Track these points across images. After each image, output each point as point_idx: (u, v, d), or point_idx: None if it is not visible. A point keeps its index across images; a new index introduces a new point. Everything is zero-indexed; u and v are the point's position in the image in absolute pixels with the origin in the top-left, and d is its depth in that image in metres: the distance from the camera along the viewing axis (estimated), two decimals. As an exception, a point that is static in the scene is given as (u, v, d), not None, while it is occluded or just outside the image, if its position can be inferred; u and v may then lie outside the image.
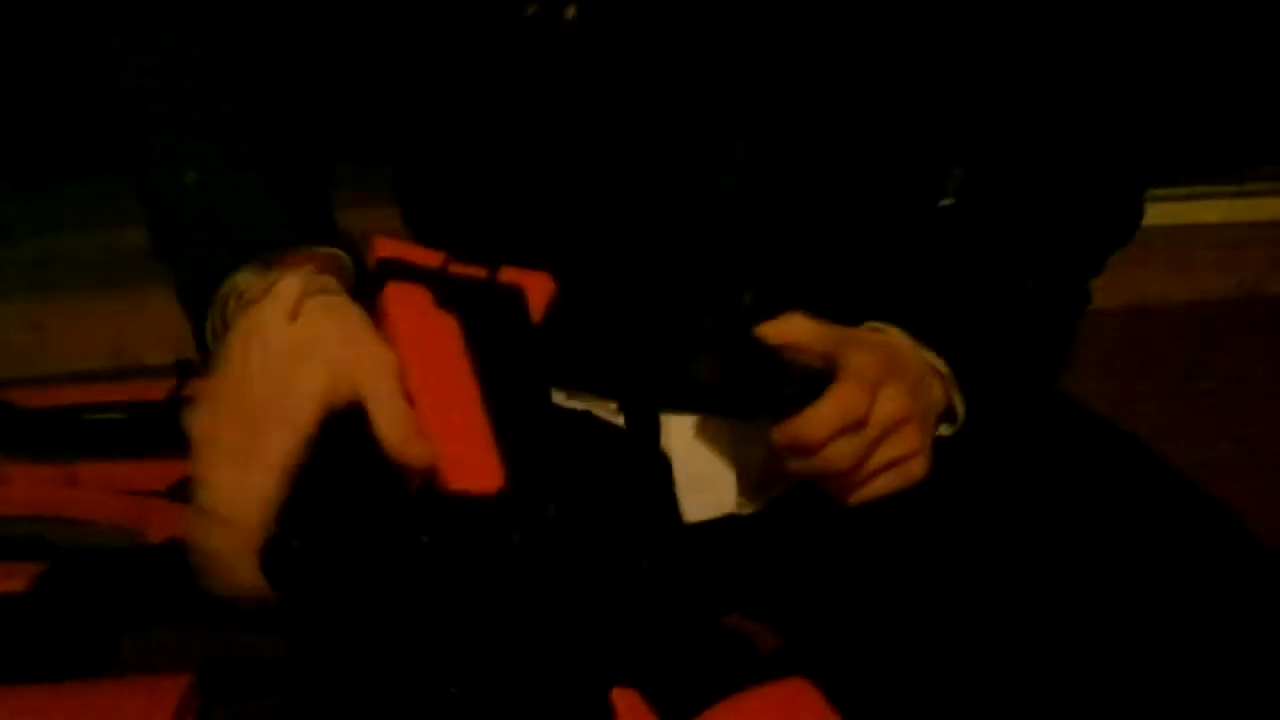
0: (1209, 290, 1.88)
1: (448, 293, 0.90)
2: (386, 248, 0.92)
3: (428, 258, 0.92)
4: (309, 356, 0.83)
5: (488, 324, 0.90)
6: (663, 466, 0.98)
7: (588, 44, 0.94)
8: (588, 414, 1.01)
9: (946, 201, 1.05)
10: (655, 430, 0.99)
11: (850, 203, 0.99)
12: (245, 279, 0.86)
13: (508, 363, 0.90)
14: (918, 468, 0.92)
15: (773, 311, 0.97)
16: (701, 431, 0.99)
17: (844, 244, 0.99)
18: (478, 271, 0.92)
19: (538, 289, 0.94)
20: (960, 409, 0.96)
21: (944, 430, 0.97)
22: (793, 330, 0.92)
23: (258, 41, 0.98)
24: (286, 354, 0.83)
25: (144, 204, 0.97)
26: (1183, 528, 0.94)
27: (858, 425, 0.89)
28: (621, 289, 0.98)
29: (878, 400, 0.89)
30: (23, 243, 2.54)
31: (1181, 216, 1.92)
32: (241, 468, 0.81)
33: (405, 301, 0.88)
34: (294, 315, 0.84)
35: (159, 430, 1.61)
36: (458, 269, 0.92)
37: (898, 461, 0.91)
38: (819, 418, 0.88)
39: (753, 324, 0.97)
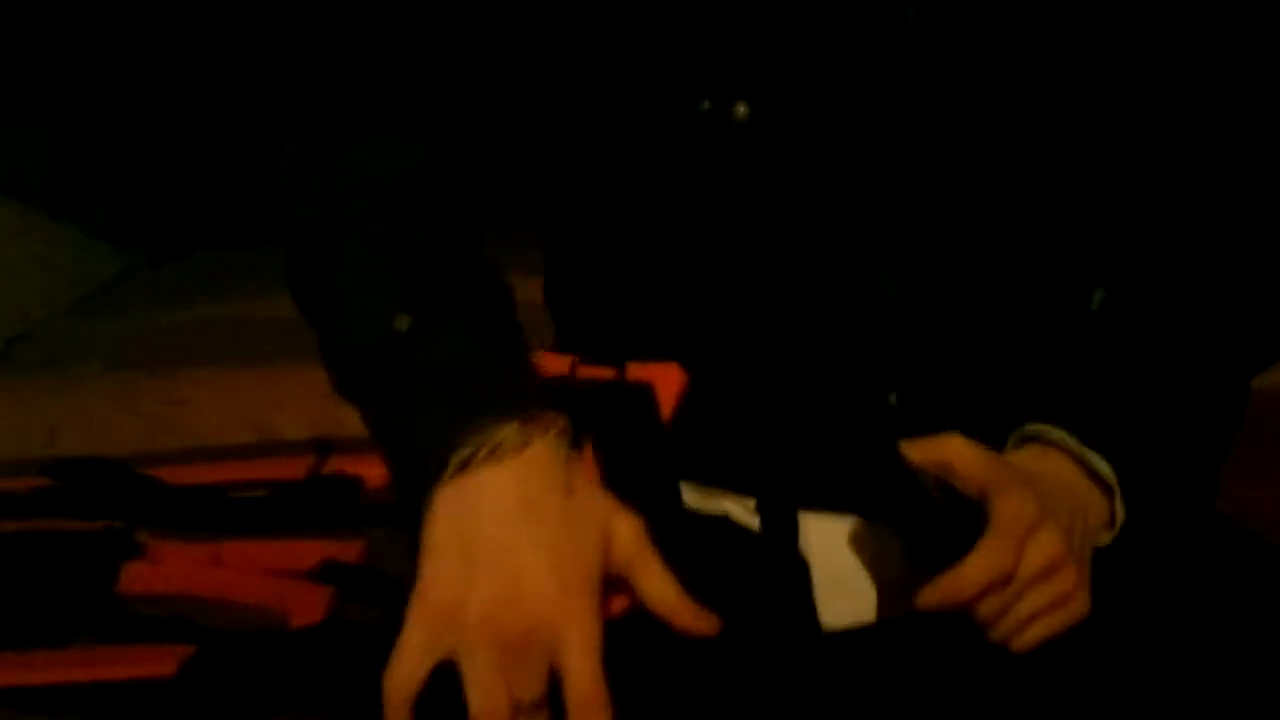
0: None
1: (572, 402, 0.90)
2: None
3: (556, 364, 0.93)
4: (592, 524, 0.82)
5: (616, 430, 0.91)
6: (801, 570, 0.98)
7: (757, 141, 0.95)
8: (725, 519, 1.01)
9: (1095, 303, 1.04)
10: (794, 532, 0.99)
11: (998, 305, 0.98)
12: (501, 430, 0.83)
13: (637, 471, 0.90)
14: (1078, 606, 0.91)
15: (917, 413, 0.97)
16: (842, 534, 0.99)
17: (990, 347, 0.99)
18: (605, 372, 0.93)
19: (667, 381, 0.94)
20: (1121, 516, 0.95)
21: (1102, 539, 0.96)
22: (949, 452, 0.92)
23: (457, 151, 0.98)
24: (567, 523, 0.82)
25: (333, 344, 0.93)
26: None
27: (1005, 581, 0.88)
28: (767, 385, 0.99)
29: (1028, 550, 0.88)
30: (165, 314, 2.59)
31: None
32: (540, 651, 0.80)
33: None
34: (569, 486, 0.83)
35: (302, 509, 1.64)
36: (586, 371, 0.93)
37: (1055, 604, 0.91)
38: (966, 578, 0.87)
39: (896, 425, 0.97)
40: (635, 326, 1.00)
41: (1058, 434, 0.94)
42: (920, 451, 0.92)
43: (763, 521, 1.00)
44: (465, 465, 0.82)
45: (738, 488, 1.00)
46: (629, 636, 0.85)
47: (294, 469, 1.70)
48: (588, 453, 0.89)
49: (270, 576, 1.47)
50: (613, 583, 0.84)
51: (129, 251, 3.08)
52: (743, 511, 1.01)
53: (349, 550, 1.51)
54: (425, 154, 0.96)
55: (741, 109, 0.94)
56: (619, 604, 0.85)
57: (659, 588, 0.84)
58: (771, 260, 0.97)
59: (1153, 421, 0.97)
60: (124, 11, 3.07)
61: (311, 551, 1.50)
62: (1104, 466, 0.94)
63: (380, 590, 1.42)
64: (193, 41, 3.07)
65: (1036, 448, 0.95)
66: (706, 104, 0.94)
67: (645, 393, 0.93)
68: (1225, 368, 1.02)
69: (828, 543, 0.99)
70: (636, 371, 0.94)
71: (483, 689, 0.79)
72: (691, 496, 1.02)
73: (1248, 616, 0.95)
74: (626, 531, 0.84)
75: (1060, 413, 0.95)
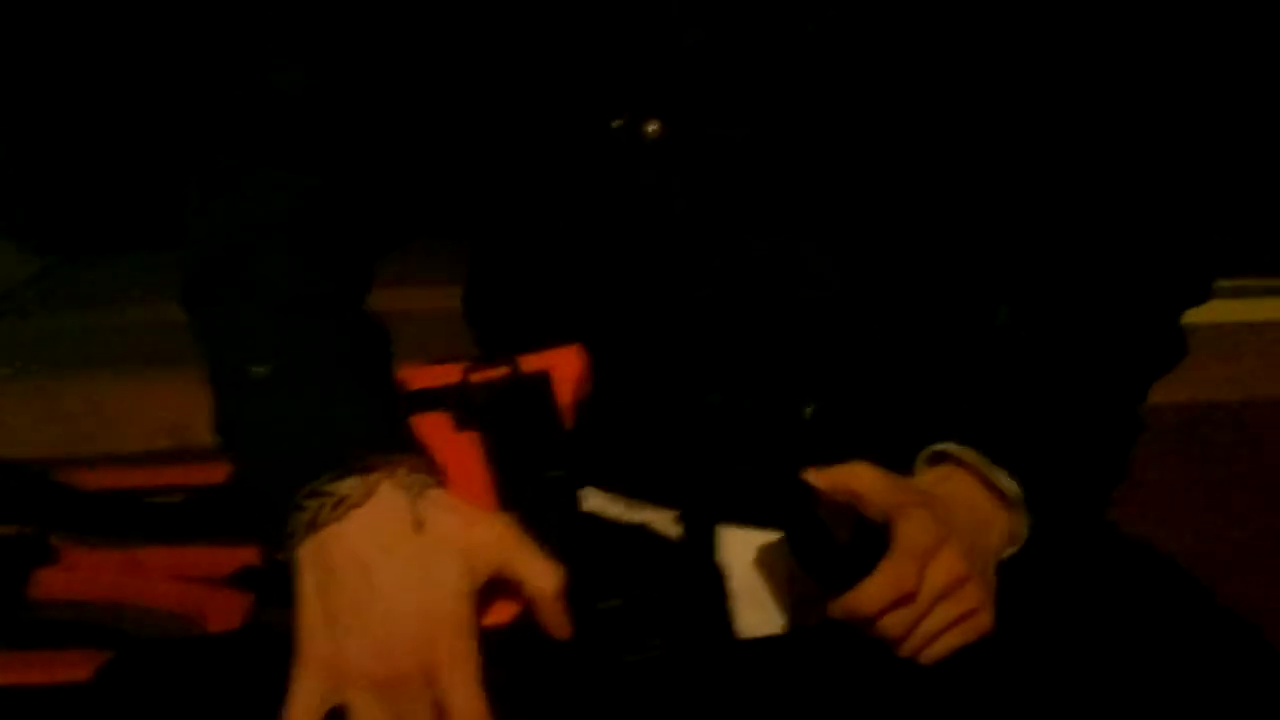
0: (1257, 391, 1.89)
1: (468, 409, 0.92)
2: (409, 380, 0.94)
3: (448, 374, 0.94)
4: (447, 555, 0.84)
5: (510, 430, 0.92)
6: (716, 580, 0.99)
7: (668, 159, 0.96)
8: (643, 528, 1.02)
9: (1001, 318, 1.06)
10: (711, 543, 1.00)
11: (911, 319, 1.00)
12: (343, 484, 0.84)
13: (531, 469, 0.91)
14: (982, 621, 0.94)
15: (831, 426, 0.99)
16: (759, 546, 1.00)
17: (904, 361, 1.01)
18: (500, 371, 0.94)
19: (566, 365, 0.95)
20: (1024, 531, 0.97)
21: (1006, 553, 0.98)
22: (854, 481, 0.94)
23: (360, 175, 0.99)
24: (420, 561, 0.83)
25: (210, 376, 0.94)
26: (1223, 667, 0.96)
27: (908, 598, 0.90)
28: (686, 398, 1.00)
29: (930, 569, 0.91)
30: (81, 316, 2.57)
31: (1232, 314, 1.92)
32: (422, 690, 0.82)
33: (426, 433, 0.90)
34: (418, 525, 0.84)
35: (219, 515, 1.63)
36: (479, 375, 0.94)
37: (959, 620, 0.93)
38: (867, 597, 0.90)
39: (811, 438, 0.98)
40: (553, 337, 1.00)
41: (964, 452, 0.96)
42: (827, 479, 0.93)
43: (684, 532, 1.01)
44: (313, 526, 0.84)
45: (663, 502, 1.02)
46: (536, 642, 0.86)
47: (211, 474, 1.68)
48: (469, 465, 0.90)
49: (187, 583, 1.46)
50: (501, 588, 0.86)
51: (45, 253, 3.05)
52: (663, 521, 1.02)
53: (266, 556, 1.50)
54: (316, 189, 0.97)
55: (652, 127, 0.95)
56: (509, 611, 0.87)
57: (537, 576, 0.86)
58: (688, 275, 0.98)
59: (1055, 437, 1.00)
60: (38, 17, 3.04)
61: (229, 558, 1.49)
62: (1008, 483, 0.96)
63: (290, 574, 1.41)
64: (105, 56, 3.04)
65: (943, 468, 0.97)
66: (618, 122, 0.95)
67: (541, 384, 0.94)
68: (1123, 382, 1.05)
69: (745, 555, 1.00)
70: (532, 362, 0.95)
71: None
72: (613, 506, 1.03)
73: (1139, 624, 0.98)
74: (490, 537, 0.85)
75: (967, 431, 0.98)
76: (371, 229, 1.00)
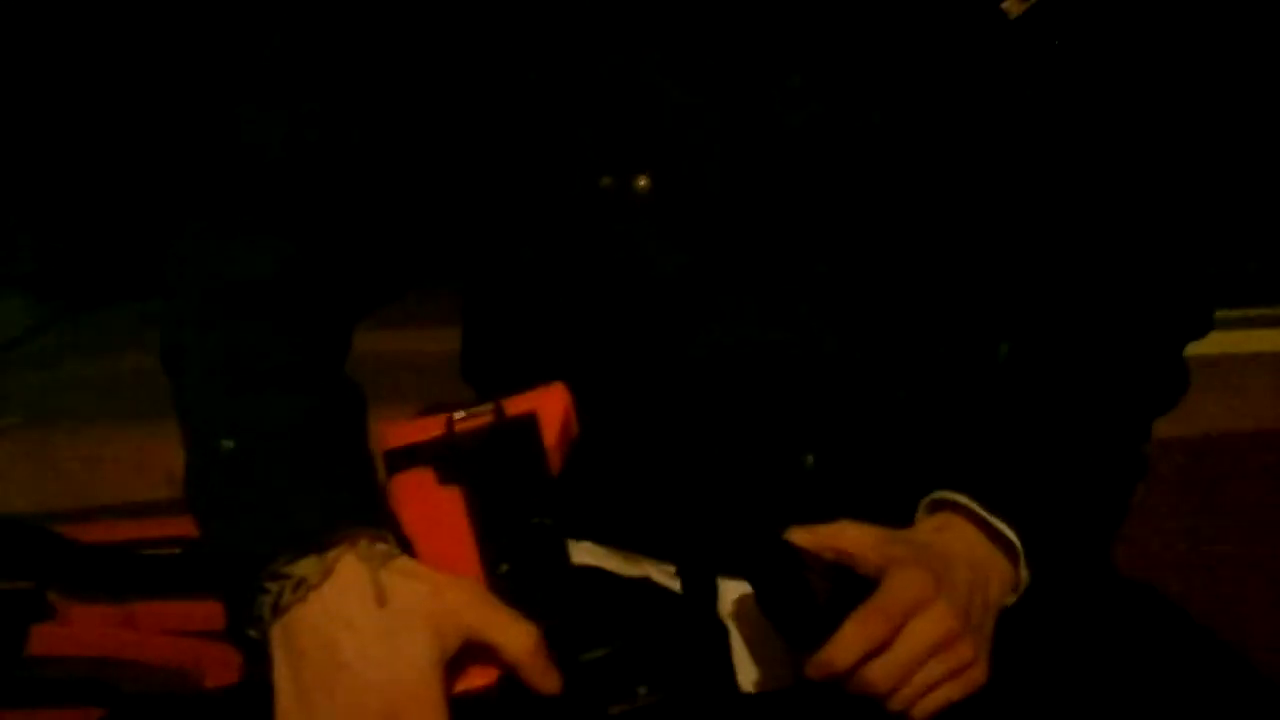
0: (1263, 422, 1.88)
1: (452, 461, 0.90)
2: (391, 435, 0.92)
3: (433, 427, 0.93)
4: (413, 625, 0.83)
5: (495, 479, 0.90)
6: (719, 634, 0.98)
7: (658, 214, 0.95)
8: (646, 580, 1.01)
9: (1001, 356, 1.06)
10: (712, 597, 0.99)
11: (909, 365, 0.99)
12: (301, 565, 0.83)
13: (516, 519, 0.90)
14: (975, 675, 0.92)
15: (833, 475, 0.98)
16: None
17: (905, 407, 1.00)
18: (484, 418, 0.92)
19: (551, 404, 0.94)
20: (1025, 578, 0.96)
21: (1007, 601, 0.97)
22: (844, 540, 0.93)
23: (340, 240, 0.97)
24: (386, 634, 0.82)
25: (184, 446, 0.92)
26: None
27: (881, 650, 0.89)
28: (685, 450, 0.99)
29: (918, 624, 0.90)
30: (79, 366, 2.56)
31: (1239, 346, 1.91)
32: None
33: (409, 490, 0.89)
34: (380, 598, 0.83)
35: (213, 568, 1.62)
36: (464, 424, 0.92)
37: (952, 675, 0.92)
38: (838, 649, 0.89)
39: (813, 487, 0.97)
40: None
41: (963, 500, 0.95)
42: (812, 539, 0.92)
43: (683, 586, 1.00)
44: (277, 609, 0.84)
45: (662, 556, 1.01)
46: (519, 701, 0.85)
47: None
48: (451, 521, 0.89)
49: (183, 637, 1.46)
50: (481, 651, 0.85)
51: (44, 302, 3.05)
52: (663, 575, 1.01)
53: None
54: (295, 254, 0.95)
55: (642, 182, 0.94)
56: (491, 674, 0.85)
57: (511, 637, 0.84)
58: (682, 328, 0.97)
59: (1055, 483, 0.98)
60: (38, 64, 3.04)
61: (225, 610, 1.48)
62: (1008, 531, 0.95)
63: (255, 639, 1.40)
64: (106, 102, 3.05)
65: (940, 517, 0.96)
66: (607, 180, 0.95)
67: (527, 427, 0.92)
68: (1126, 418, 1.04)
69: (747, 608, 0.99)
70: (517, 404, 0.93)
71: None
72: (611, 560, 1.02)
73: (1140, 669, 0.96)
74: (458, 604, 0.84)
75: (966, 479, 0.97)
76: (352, 293, 0.99)
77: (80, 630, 1.48)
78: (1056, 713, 0.94)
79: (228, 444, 0.89)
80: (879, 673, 0.89)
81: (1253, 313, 2.00)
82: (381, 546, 0.85)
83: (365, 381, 0.98)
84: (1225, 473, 1.82)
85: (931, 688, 0.91)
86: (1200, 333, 1.09)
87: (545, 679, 0.85)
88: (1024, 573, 0.96)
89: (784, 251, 0.96)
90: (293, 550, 0.84)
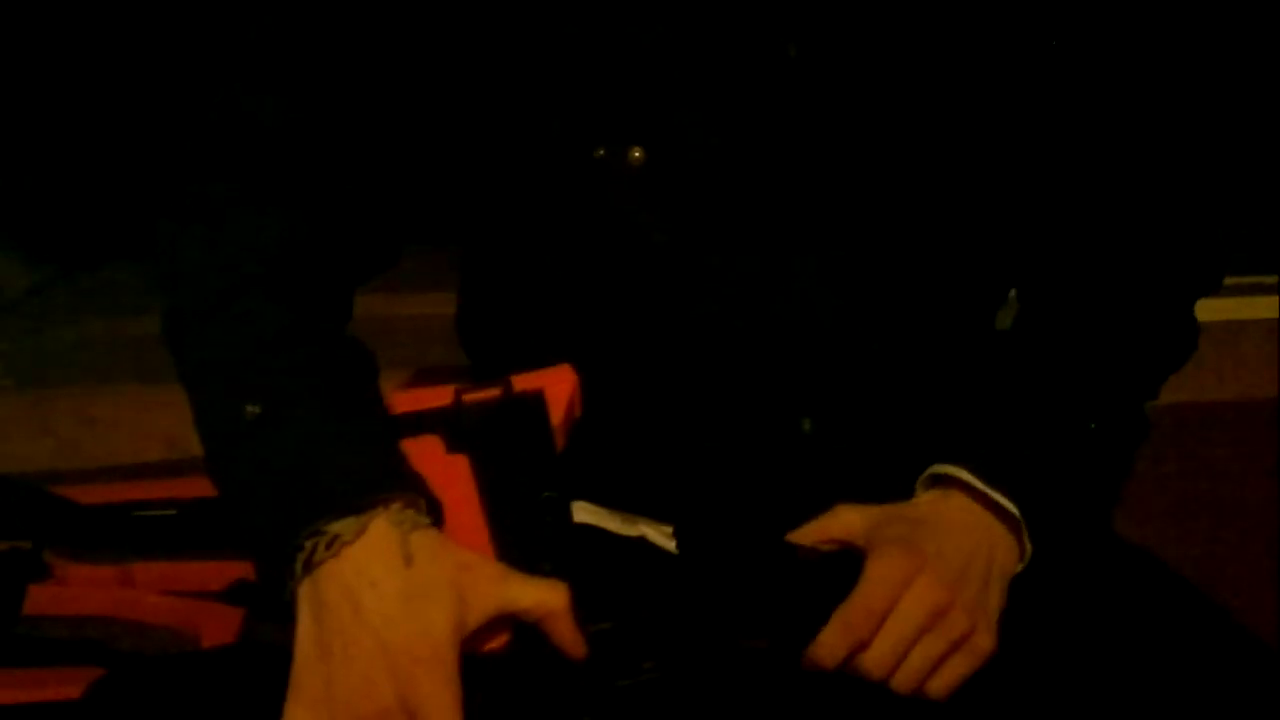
0: (1258, 389, 1.88)
1: (459, 431, 0.92)
2: (400, 402, 0.93)
3: (440, 397, 0.94)
4: (434, 592, 0.84)
5: (503, 452, 0.92)
6: (717, 596, 0.98)
7: (651, 184, 0.95)
8: (642, 540, 1.01)
9: (1004, 325, 1.06)
10: (712, 556, 1.00)
11: (909, 330, 1.00)
12: (336, 524, 0.85)
13: (523, 490, 0.91)
14: (980, 645, 0.93)
15: (831, 439, 0.98)
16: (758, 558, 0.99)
17: (904, 372, 1.00)
18: (492, 391, 0.93)
19: (558, 384, 0.95)
20: (1029, 548, 0.97)
21: (1015, 568, 0.97)
22: (835, 528, 0.94)
23: (339, 207, 0.98)
24: (407, 596, 0.83)
25: (198, 417, 0.94)
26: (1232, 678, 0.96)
27: (861, 645, 0.91)
28: (682, 415, 0.99)
29: (906, 602, 0.91)
30: (76, 328, 2.56)
31: (1232, 313, 1.92)
32: None
33: (417, 457, 0.90)
34: (408, 561, 0.84)
35: (212, 528, 1.63)
36: (471, 396, 0.93)
37: (954, 648, 0.92)
38: (823, 647, 0.91)
39: (811, 451, 0.98)
40: (546, 355, 1.00)
41: (962, 474, 0.96)
42: (811, 534, 0.93)
43: (679, 546, 1.00)
44: (309, 564, 0.85)
45: (660, 517, 1.01)
46: (527, 670, 0.86)
47: (204, 487, 1.68)
48: (460, 488, 0.89)
49: (181, 598, 1.46)
50: (491, 625, 0.86)
51: (42, 264, 3.04)
52: (659, 536, 1.02)
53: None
54: (296, 223, 0.96)
55: (635, 154, 0.95)
56: (498, 640, 0.87)
57: (544, 599, 0.86)
58: (679, 295, 0.97)
59: (1057, 453, 0.99)
60: (34, 28, 3.03)
61: (223, 571, 1.49)
62: (1008, 504, 0.95)
63: (293, 611, 1.41)
64: (106, 63, 3.04)
65: (939, 491, 0.97)
66: (601, 151, 0.95)
67: (534, 404, 0.93)
68: (1135, 376, 1.04)
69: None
70: (525, 382, 0.94)
71: None
72: (609, 520, 1.02)
73: (1139, 630, 0.97)
74: (484, 582, 0.86)
75: (965, 452, 0.97)
76: (353, 259, 0.99)
77: (77, 590, 1.49)
78: (1060, 678, 0.95)
79: (253, 410, 0.89)
80: (871, 662, 0.91)
81: (1244, 280, 2.01)
82: (411, 512, 0.86)
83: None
84: (1211, 440, 1.83)
85: (937, 664, 0.91)
86: (1210, 288, 1.09)
87: (576, 639, 0.86)
88: (1028, 544, 0.96)
89: (780, 221, 0.96)
90: (332, 511, 0.85)
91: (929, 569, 0.91)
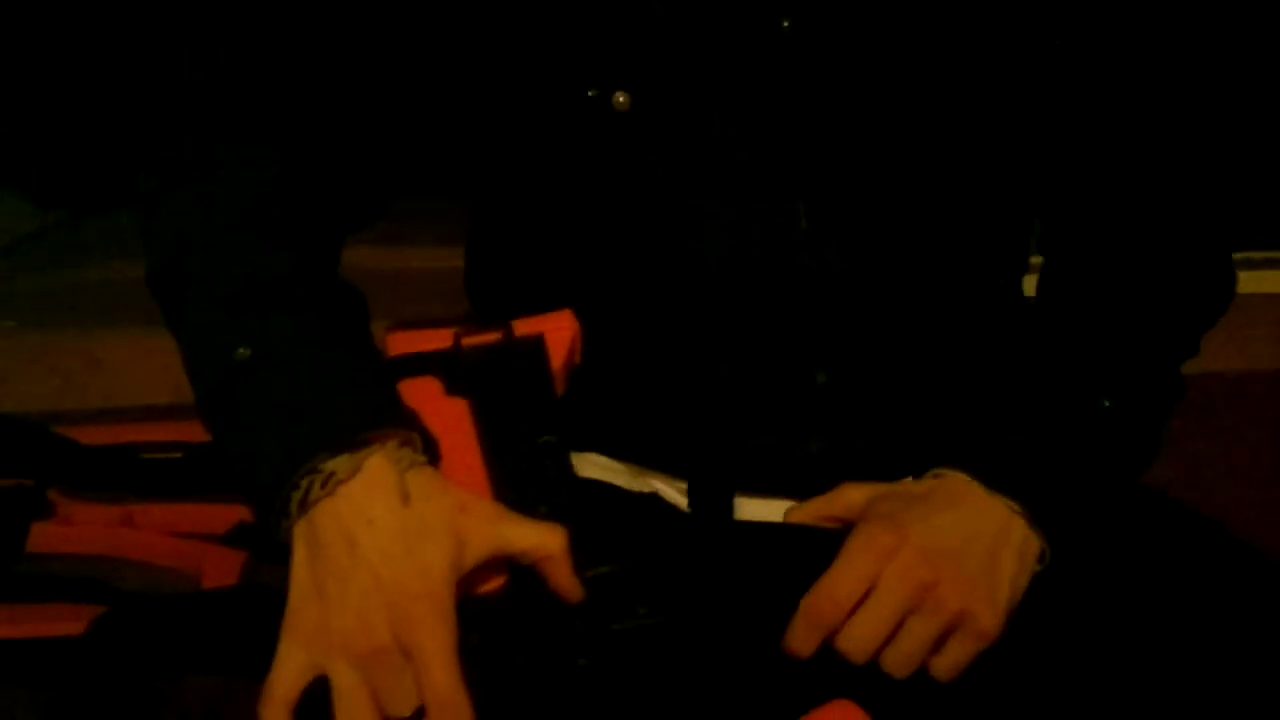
0: (1261, 362, 1.89)
1: (458, 374, 0.91)
2: (397, 343, 0.93)
3: (439, 339, 0.93)
4: (431, 530, 0.83)
5: (502, 396, 0.91)
6: (730, 550, 0.98)
7: (637, 129, 0.95)
8: (654, 496, 1.01)
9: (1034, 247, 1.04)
10: (728, 513, 0.99)
11: (922, 286, 0.99)
12: (331, 462, 0.84)
13: (522, 434, 0.91)
14: (983, 625, 0.90)
15: (845, 391, 0.98)
16: (774, 516, 0.99)
17: (920, 328, 1.00)
18: (492, 336, 0.93)
19: (559, 330, 0.94)
20: (1046, 549, 0.93)
21: (1032, 551, 0.93)
22: (838, 506, 0.93)
23: (323, 151, 0.97)
24: (404, 534, 0.83)
25: (187, 363, 0.92)
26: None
27: (829, 629, 0.89)
28: (693, 365, 0.99)
29: (884, 580, 0.89)
30: (83, 271, 2.56)
31: (1241, 286, 1.92)
32: (399, 664, 0.82)
33: (415, 398, 0.90)
34: (405, 498, 0.84)
35: (216, 472, 1.63)
36: (471, 340, 0.93)
37: (950, 629, 0.90)
38: (795, 639, 0.90)
39: (825, 403, 0.98)
40: (553, 304, 0.99)
41: (960, 478, 0.94)
42: (811, 512, 0.94)
43: (692, 503, 1.00)
44: (304, 504, 0.84)
45: (674, 471, 1.01)
46: (521, 612, 0.86)
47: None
48: (458, 430, 0.89)
49: (183, 539, 1.47)
50: (487, 566, 0.86)
51: (49, 208, 3.04)
52: (672, 491, 1.02)
53: (264, 514, 1.50)
54: (278, 167, 0.95)
55: (621, 98, 0.94)
56: (495, 581, 0.87)
57: (542, 541, 0.86)
58: (682, 242, 0.97)
59: (1063, 449, 0.96)
60: None
61: (226, 515, 1.50)
62: (1014, 505, 0.93)
63: (289, 551, 1.42)
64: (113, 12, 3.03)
65: (939, 474, 0.95)
66: (593, 92, 0.94)
67: (535, 348, 0.93)
68: (1174, 329, 1.01)
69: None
70: (525, 326, 0.94)
71: (346, 703, 0.82)
72: (619, 475, 1.02)
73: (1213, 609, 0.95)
74: (482, 523, 0.85)
75: (964, 454, 0.95)
76: (345, 204, 0.99)
77: (80, 529, 1.49)
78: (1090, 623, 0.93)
79: (244, 352, 0.89)
80: (849, 644, 0.89)
81: (1256, 255, 2.01)
82: (408, 450, 0.86)
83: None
84: (1221, 410, 1.83)
85: (934, 646, 0.90)
86: (1236, 237, 1.06)
87: (573, 583, 0.86)
88: (1043, 543, 0.93)
89: (774, 173, 0.96)
90: (328, 449, 0.85)
91: (911, 544, 0.89)
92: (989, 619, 0.90)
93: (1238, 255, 1.84)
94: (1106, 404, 0.96)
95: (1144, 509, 1.01)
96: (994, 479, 0.93)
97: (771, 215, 0.96)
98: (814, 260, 0.96)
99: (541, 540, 0.86)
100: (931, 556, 0.90)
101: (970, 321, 1.01)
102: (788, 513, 0.97)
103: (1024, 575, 0.92)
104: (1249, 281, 1.95)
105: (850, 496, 0.95)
